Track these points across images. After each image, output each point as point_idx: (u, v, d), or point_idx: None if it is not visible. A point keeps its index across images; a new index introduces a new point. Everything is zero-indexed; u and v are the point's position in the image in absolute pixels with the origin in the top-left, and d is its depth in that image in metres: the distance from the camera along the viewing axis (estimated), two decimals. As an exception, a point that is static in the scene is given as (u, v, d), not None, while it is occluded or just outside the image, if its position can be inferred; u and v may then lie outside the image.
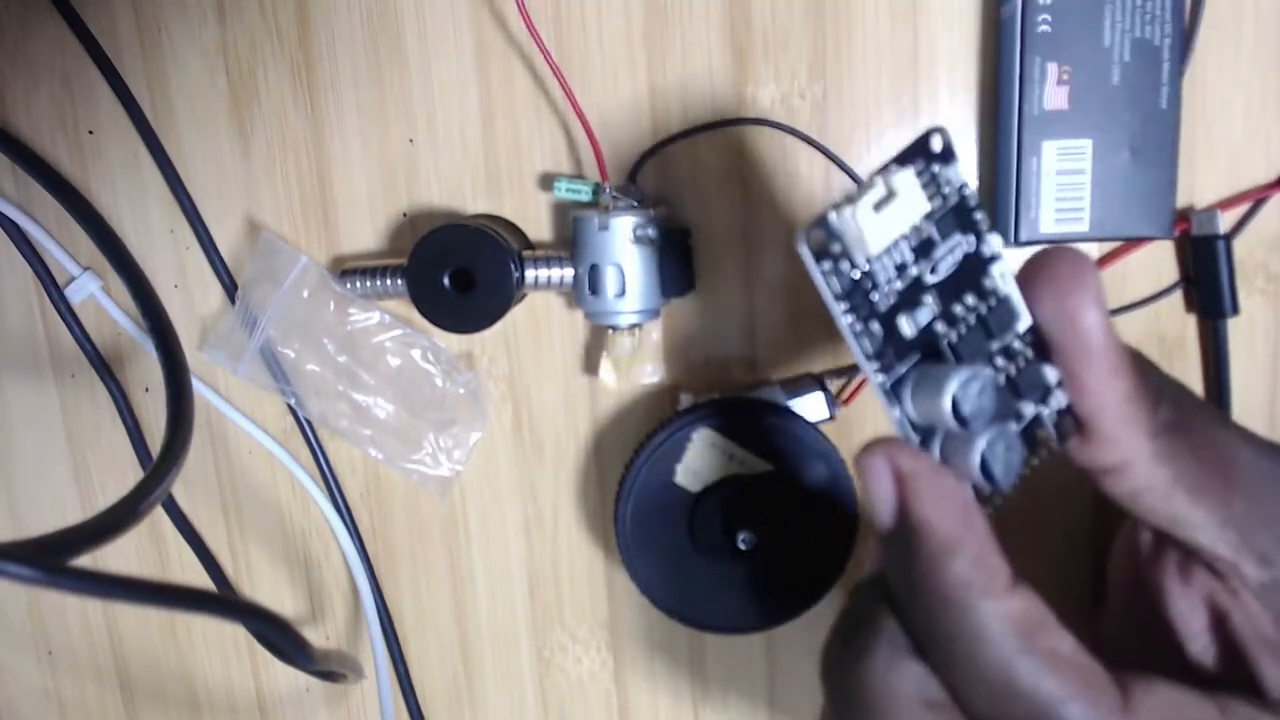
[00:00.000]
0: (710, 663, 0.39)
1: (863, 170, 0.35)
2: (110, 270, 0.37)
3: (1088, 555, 0.37)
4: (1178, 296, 0.35)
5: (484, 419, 0.38)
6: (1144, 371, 0.22)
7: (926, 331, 0.21)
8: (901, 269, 0.21)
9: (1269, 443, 0.23)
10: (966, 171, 0.35)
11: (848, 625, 0.22)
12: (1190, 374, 0.36)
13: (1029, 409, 0.22)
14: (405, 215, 0.37)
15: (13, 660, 0.42)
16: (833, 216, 0.20)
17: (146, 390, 0.39)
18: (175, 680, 0.42)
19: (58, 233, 0.38)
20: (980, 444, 0.21)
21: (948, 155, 0.21)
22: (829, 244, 0.20)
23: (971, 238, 0.21)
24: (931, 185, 0.21)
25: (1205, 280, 0.34)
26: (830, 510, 0.33)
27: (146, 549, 0.41)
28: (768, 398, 0.34)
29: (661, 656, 0.40)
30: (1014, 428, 0.22)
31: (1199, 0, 0.33)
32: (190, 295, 0.38)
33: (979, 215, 0.21)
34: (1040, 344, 0.22)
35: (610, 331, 0.35)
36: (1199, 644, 0.24)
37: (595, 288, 0.34)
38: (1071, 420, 0.22)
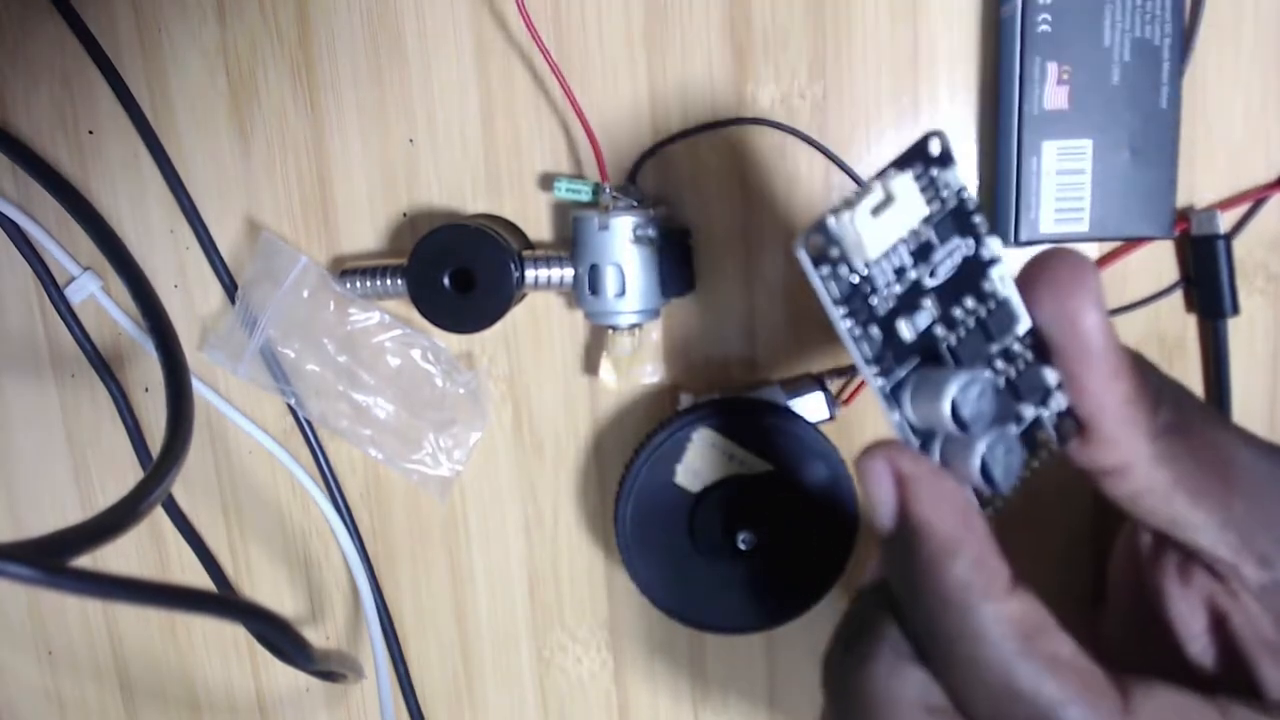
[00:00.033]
0: (710, 663, 0.39)
1: (863, 170, 0.35)
2: (110, 270, 0.37)
3: (1088, 556, 0.37)
4: (1178, 296, 0.35)
5: (484, 419, 0.38)
6: (1144, 373, 0.22)
7: (926, 335, 0.21)
8: (900, 273, 0.21)
9: (1269, 444, 0.23)
10: (965, 173, 0.35)
11: (850, 631, 0.22)
12: (1190, 374, 0.36)
13: (1029, 411, 0.22)
14: (405, 215, 0.37)
15: (13, 660, 0.42)
16: (831, 221, 0.20)
17: (146, 390, 0.39)
18: (175, 680, 0.42)
19: (58, 233, 0.38)
20: (980, 447, 0.21)
21: (946, 159, 0.21)
22: (827, 249, 0.20)
23: (970, 241, 0.21)
24: (930, 189, 0.21)
25: (1205, 280, 0.34)
26: (830, 510, 0.33)
27: (146, 549, 0.41)
28: (768, 398, 0.34)
29: (661, 656, 0.40)
30: (1014, 430, 0.22)
31: (1199, 0, 0.33)
32: (190, 295, 0.38)
33: (978, 218, 0.21)
34: (1040, 346, 0.22)
35: (610, 331, 0.35)
36: (1198, 645, 0.24)
37: (595, 288, 0.34)
38: (1072, 422, 0.22)
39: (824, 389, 0.35)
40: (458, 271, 0.33)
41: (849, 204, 0.20)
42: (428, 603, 0.40)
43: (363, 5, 0.35)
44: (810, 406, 0.34)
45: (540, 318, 0.37)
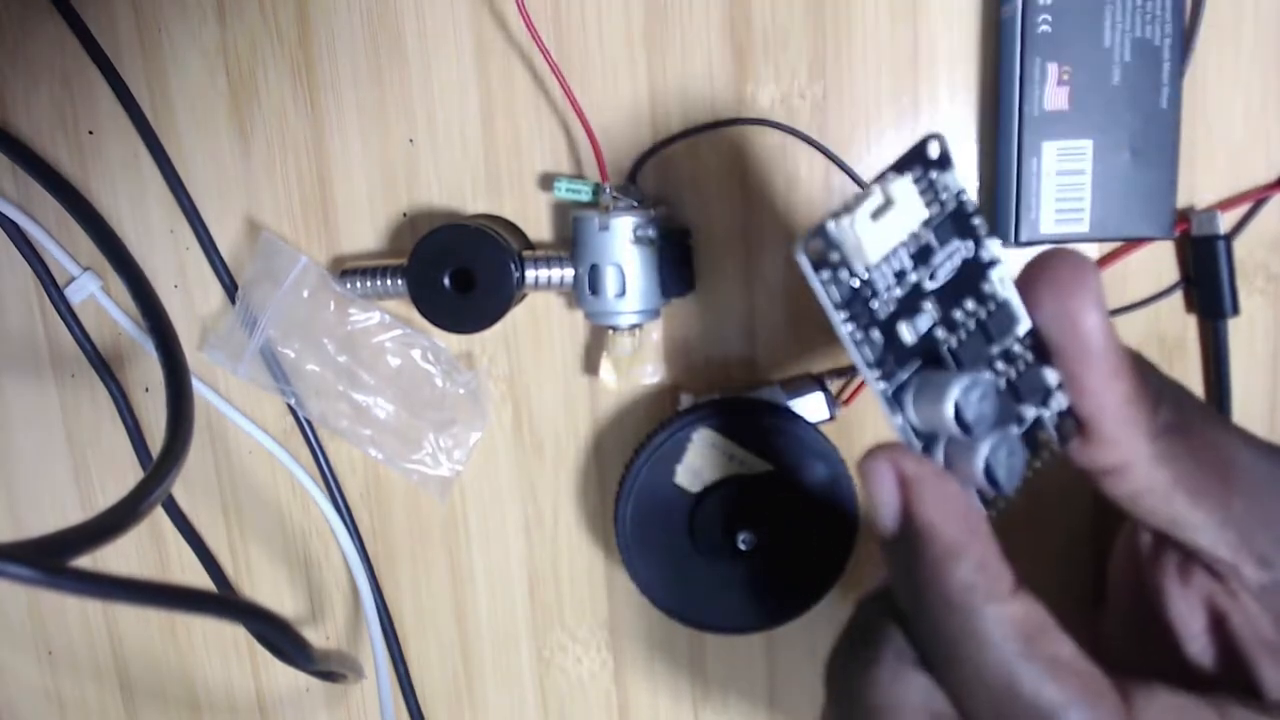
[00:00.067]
0: (710, 663, 0.39)
1: (863, 170, 0.35)
2: (110, 270, 0.37)
3: (1088, 556, 0.37)
4: (1178, 297, 0.35)
5: (484, 419, 0.38)
6: (1144, 373, 0.22)
7: (927, 338, 0.21)
8: (901, 276, 0.21)
9: (1269, 445, 0.23)
10: (965, 174, 0.35)
11: (853, 637, 0.22)
12: (1190, 374, 0.36)
13: (1030, 412, 0.22)
14: (405, 215, 0.37)
15: (13, 660, 0.42)
16: (831, 226, 0.20)
17: (146, 390, 0.39)
18: (175, 680, 0.42)
19: (58, 233, 0.38)
20: (984, 449, 0.21)
21: (945, 161, 0.21)
22: (828, 253, 0.20)
23: (970, 243, 0.21)
24: (929, 192, 0.21)
25: (1205, 280, 0.34)
26: (830, 510, 0.33)
27: (146, 549, 0.41)
28: (768, 398, 0.34)
29: (661, 656, 0.40)
30: (1016, 431, 0.22)
31: (1199, 0, 0.33)
32: (190, 295, 0.38)
33: (977, 220, 0.21)
34: (1039, 347, 0.22)
35: (610, 332, 0.35)
36: (1197, 645, 0.24)
37: (595, 288, 0.34)
38: (1072, 422, 0.22)
39: (824, 389, 0.35)
40: (458, 271, 0.33)
41: (848, 208, 0.20)
42: (428, 603, 0.40)
43: (363, 5, 0.35)
44: (810, 407, 0.34)
45: (540, 318, 0.37)
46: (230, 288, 0.38)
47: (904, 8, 0.34)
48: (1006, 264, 0.22)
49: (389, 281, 0.35)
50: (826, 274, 0.20)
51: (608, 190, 0.34)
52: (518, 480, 0.38)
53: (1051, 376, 0.22)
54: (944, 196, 0.21)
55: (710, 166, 0.35)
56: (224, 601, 0.33)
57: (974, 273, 0.22)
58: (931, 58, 0.34)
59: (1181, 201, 0.34)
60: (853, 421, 0.37)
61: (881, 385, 0.21)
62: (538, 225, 0.36)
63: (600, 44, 0.35)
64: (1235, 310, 0.34)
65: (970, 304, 0.22)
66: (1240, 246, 0.34)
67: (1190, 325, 0.36)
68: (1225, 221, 0.34)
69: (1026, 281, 0.22)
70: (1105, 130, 0.32)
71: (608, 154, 0.35)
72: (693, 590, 0.34)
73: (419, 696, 0.40)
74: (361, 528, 0.39)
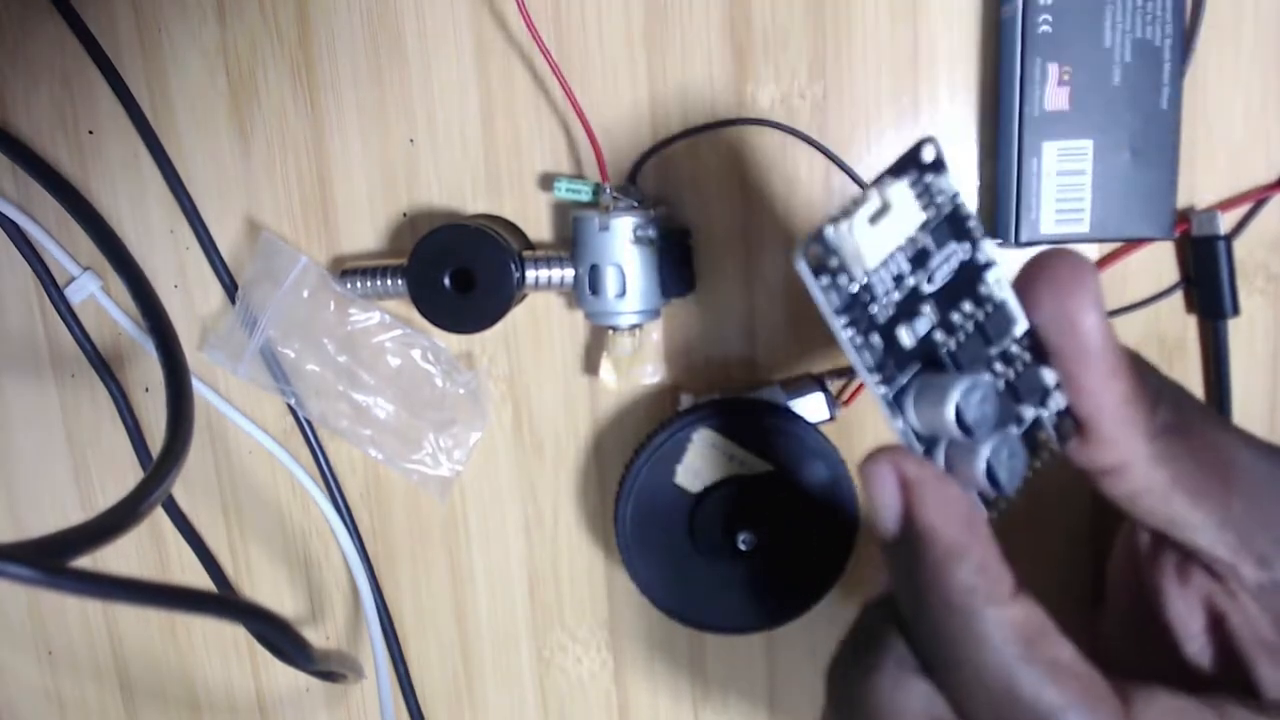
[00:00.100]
0: (710, 663, 0.39)
1: (863, 170, 0.35)
2: (110, 270, 0.37)
3: (1088, 556, 0.37)
4: (1178, 297, 0.35)
5: (484, 419, 0.38)
6: (1142, 374, 0.22)
7: (926, 341, 0.21)
8: (899, 280, 0.21)
9: (1268, 445, 0.23)
10: (964, 175, 0.35)
11: (855, 643, 0.22)
12: (1190, 375, 0.36)
13: (1029, 412, 0.22)
14: (405, 215, 0.37)
15: (13, 660, 0.42)
16: (829, 231, 0.20)
17: (146, 390, 0.39)
18: (175, 680, 0.42)
19: (58, 233, 0.38)
20: (985, 451, 0.21)
21: (939, 165, 0.21)
22: (826, 259, 0.20)
23: (966, 245, 0.21)
24: (925, 195, 0.21)
25: (1205, 281, 0.34)
26: (830, 511, 0.33)
27: (146, 549, 0.41)
28: (768, 398, 0.34)
29: (661, 656, 0.40)
30: (1015, 432, 0.22)
31: (1199, 0, 0.33)
32: (190, 295, 0.38)
33: (972, 223, 0.21)
34: (1037, 347, 0.22)
35: (610, 332, 0.35)
36: (1196, 645, 0.24)
37: (595, 288, 0.34)
38: (1071, 422, 0.22)
39: (824, 389, 0.35)
40: (458, 271, 0.33)
41: (846, 213, 0.20)
42: (428, 603, 0.40)
43: (363, 5, 0.35)
44: (810, 407, 0.34)
45: (540, 318, 0.37)
46: (230, 288, 0.38)
47: (904, 8, 0.34)
48: (1002, 265, 0.22)
49: (389, 281, 0.35)
50: (826, 280, 0.20)
51: (608, 190, 0.34)
52: (518, 480, 0.38)
53: (1049, 376, 0.22)
54: (939, 200, 0.21)
55: (710, 166, 0.35)
56: (224, 601, 0.33)
57: (971, 275, 0.22)
58: (931, 58, 0.34)
59: (1181, 202, 0.34)
60: (853, 421, 0.37)
61: (882, 389, 0.21)
62: (538, 225, 0.36)
63: (600, 44, 0.35)
64: (1235, 310, 0.34)
65: (968, 306, 0.22)
66: (1240, 247, 0.34)
67: (1190, 325, 0.36)
68: (1225, 222, 0.34)
69: (1025, 282, 0.22)
70: (1105, 130, 0.32)
71: (608, 154, 0.35)
72: (693, 590, 0.34)
73: (419, 696, 0.40)
74: (361, 528, 0.39)
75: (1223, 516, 0.22)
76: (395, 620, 0.40)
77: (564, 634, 0.40)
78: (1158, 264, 0.35)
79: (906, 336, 0.21)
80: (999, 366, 0.22)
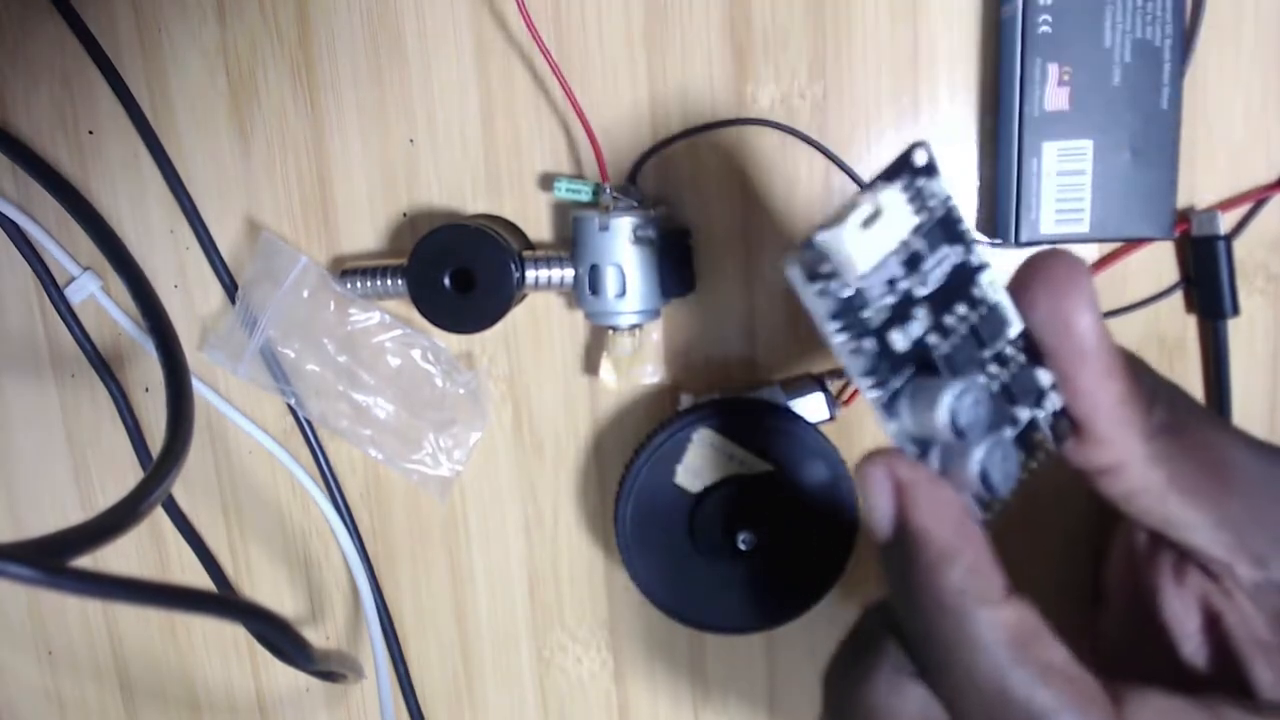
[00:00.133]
0: (710, 663, 0.39)
1: (862, 170, 0.35)
2: (110, 270, 0.37)
3: (1085, 556, 0.37)
4: (1178, 297, 0.35)
5: (484, 419, 0.38)
6: (1138, 374, 0.22)
7: (919, 344, 0.21)
8: (891, 284, 0.21)
9: (1264, 444, 0.23)
10: (964, 176, 0.35)
11: (853, 646, 0.22)
12: (1190, 375, 0.36)
13: (1024, 414, 0.22)
14: (405, 215, 0.37)
15: (13, 660, 0.42)
16: (821, 237, 0.20)
17: (146, 390, 0.39)
18: (175, 680, 0.42)
19: (58, 233, 0.38)
20: (978, 454, 0.21)
21: (931, 169, 0.21)
22: (819, 265, 0.20)
23: (959, 248, 0.21)
24: (917, 199, 0.21)
25: (1205, 281, 0.34)
26: (830, 511, 0.33)
27: (146, 549, 0.41)
28: (768, 398, 0.34)
29: (661, 656, 0.40)
30: (1009, 434, 0.22)
31: (1199, 0, 0.33)
32: (190, 295, 0.38)
33: (964, 226, 0.21)
34: (1031, 348, 0.22)
35: (610, 332, 0.35)
36: (1192, 644, 0.24)
37: (595, 288, 0.34)
38: (1067, 422, 0.22)
39: (824, 389, 0.35)
40: (458, 271, 0.33)
41: (838, 219, 0.20)
42: (428, 603, 0.40)
43: (363, 5, 0.35)
44: (810, 407, 0.34)
45: (540, 318, 0.37)
46: (230, 288, 0.38)
47: (904, 8, 0.34)
48: (995, 268, 0.22)
49: (389, 281, 0.35)
50: (818, 286, 0.20)
51: (608, 190, 0.34)
52: (518, 480, 0.38)
53: (1044, 377, 0.22)
54: (932, 203, 0.21)
55: (710, 166, 0.35)
56: (224, 601, 0.33)
57: (964, 278, 0.22)
58: (931, 58, 0.34)
59: (1181, 202, 0.34)
60: (853, 421, 0.37)
61: (875, 394, 0.21)
62: (538, 225, 0.36)
63: (600, 44, 0.35)
64: (1235, 310, 0.34)
65: (961, 309, 0.22)
66: (1240, 247, 0.34)
67: (1190, 325, 0.36)
68: (1225, 222, 0.34)
69: (1019, 283, 0.22)
70: (1105, 130, 0.32)
71: (608, 154, 0.35)
72: (693, 590, 0.34)
73: (419, 696, 0.40)
74: (361, 528, 0.39)
75: (1219, 516, 0.22)
76: (395, 620, 0.40)
77: (564, 634, 0.40)
78: (1158, 264, 0.35)
79: (900, 340, 0.21)
80: (993, 368, 0.22)
